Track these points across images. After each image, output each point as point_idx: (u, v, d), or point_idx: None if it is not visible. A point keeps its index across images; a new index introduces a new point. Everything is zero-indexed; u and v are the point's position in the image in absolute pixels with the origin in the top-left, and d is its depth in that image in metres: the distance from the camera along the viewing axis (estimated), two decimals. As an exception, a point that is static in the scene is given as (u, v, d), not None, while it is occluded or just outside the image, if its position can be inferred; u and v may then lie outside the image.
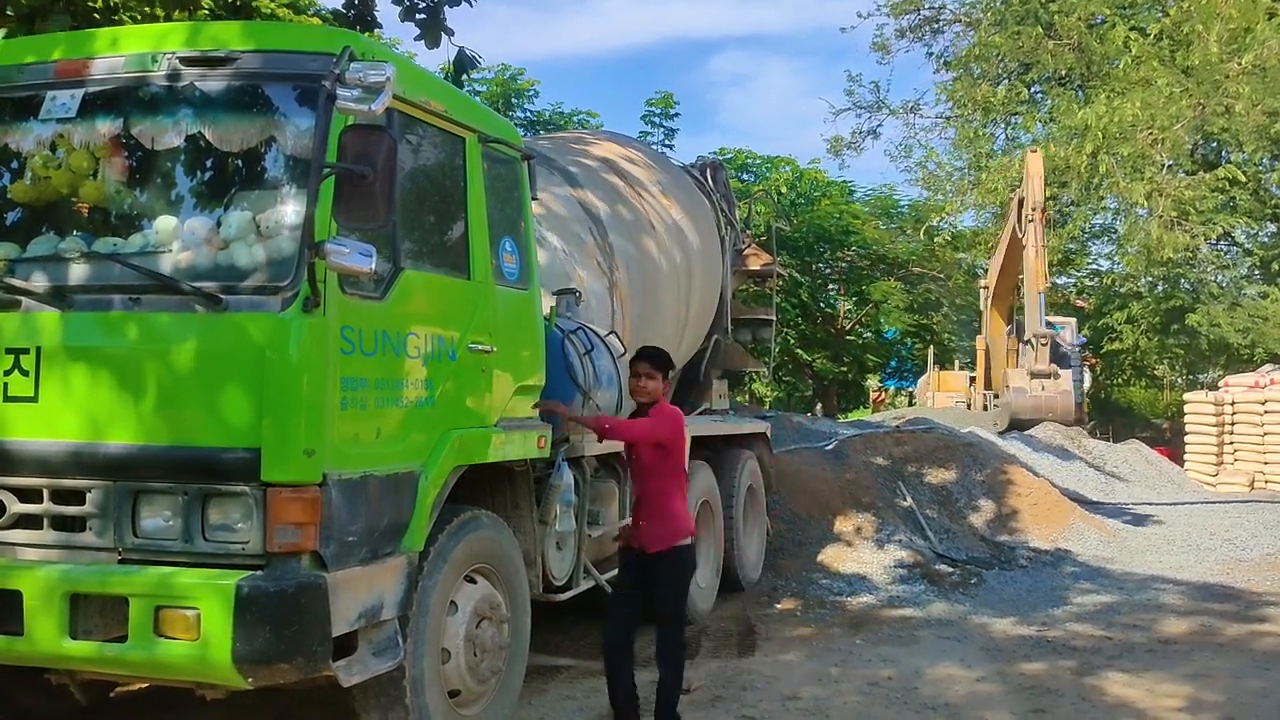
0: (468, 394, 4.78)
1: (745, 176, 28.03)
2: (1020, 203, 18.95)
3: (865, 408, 35.13)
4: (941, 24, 25.38)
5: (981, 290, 24.89)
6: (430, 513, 4.45)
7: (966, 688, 6.18)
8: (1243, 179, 22.31)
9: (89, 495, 3.93)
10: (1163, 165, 18.15)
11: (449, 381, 4.63)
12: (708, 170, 10.33)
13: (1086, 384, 26.43)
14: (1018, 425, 18.33)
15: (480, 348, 4.81)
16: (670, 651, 5.17)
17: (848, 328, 32.59)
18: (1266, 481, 17.71)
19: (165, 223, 4.10)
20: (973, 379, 26.46)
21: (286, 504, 3.77)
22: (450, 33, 8.02)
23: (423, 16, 8.01)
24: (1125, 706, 5.84)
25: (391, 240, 4.27)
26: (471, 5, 8.18)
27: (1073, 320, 25.36)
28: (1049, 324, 23.18)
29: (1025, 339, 19.72)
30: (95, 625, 3.85)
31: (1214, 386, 21.55)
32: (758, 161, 29.20)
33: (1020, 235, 18.93)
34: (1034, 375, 18.54)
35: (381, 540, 4.18)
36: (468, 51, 7.87)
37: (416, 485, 4.38)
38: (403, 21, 8.07)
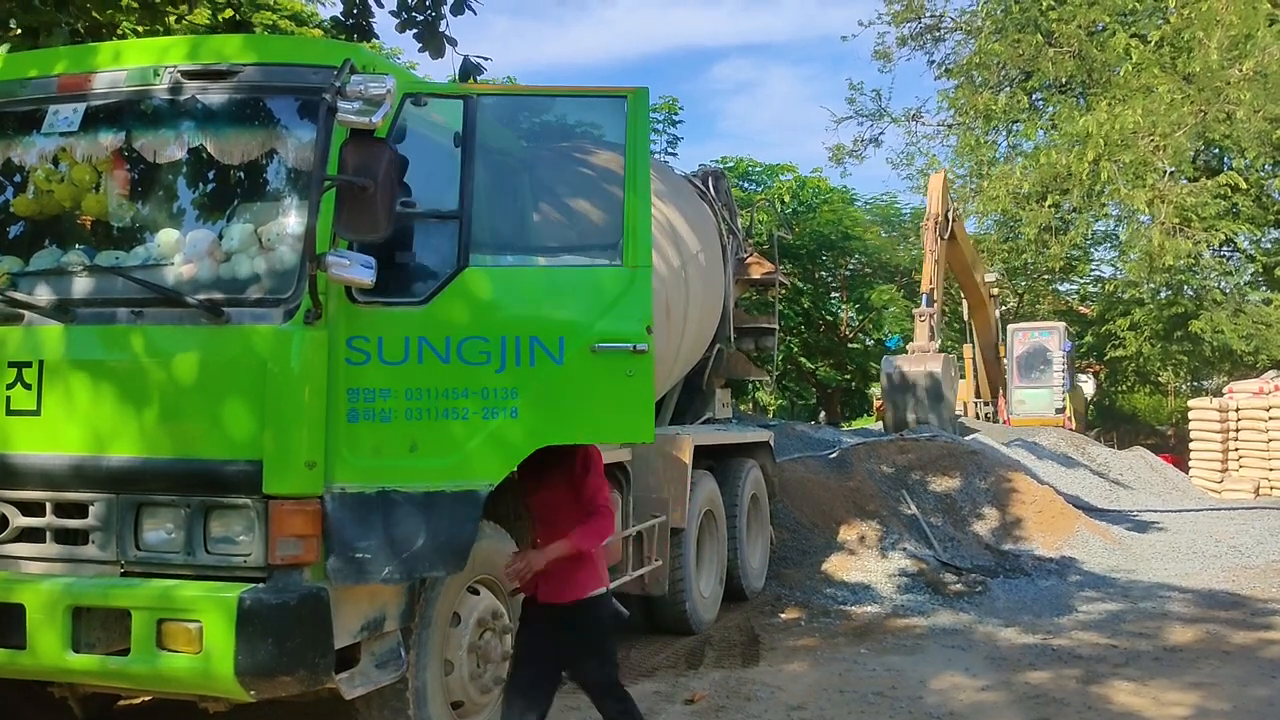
0: (582, 400, 4.12)
1: (747, 185, 28.06)
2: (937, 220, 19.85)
3: (869, 415, 35.10)
4: (942, 32, 25.36)
5: (965, 303, 25.10)
6: None
7: (971, 697, 6.16)
8: (1245, 185, 22.28)
9: (91, 508, 3.93)
10: (1164, 172, 18.14)
11: (545, 389, 4.09)
12: (709, 179, 10.33)
13: (1090, 391, 26.38)
14: (903, 395, 18.14)
15: (616, 346, 4.10)
16: None
17: (850, 335, 32.58)
18: (1272, 488, 17.65)
19: (167, 235, 4.12)
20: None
21: (288, 516, 3.77)
22: (453, 42, 8.06)
23: (419, 30, 8.04)
24: (1131, 715, 5.82)
25: (458, 240, 4.05)
26: (474, 13, 8.22)
27: (1060, 325, 25.37)
28: (1040, 331, 24.06)
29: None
30: (98, 638, 3.85)
31: (1218, 393, 21.53)
32: (759, 170, 29.23)
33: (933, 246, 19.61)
34: (911, 349, 19.05)
35: (420, 561, 3.94)
36: (473, 59, 7.90)
37: (480, 505, 4.01)
38: (400, 32, 8.12)
